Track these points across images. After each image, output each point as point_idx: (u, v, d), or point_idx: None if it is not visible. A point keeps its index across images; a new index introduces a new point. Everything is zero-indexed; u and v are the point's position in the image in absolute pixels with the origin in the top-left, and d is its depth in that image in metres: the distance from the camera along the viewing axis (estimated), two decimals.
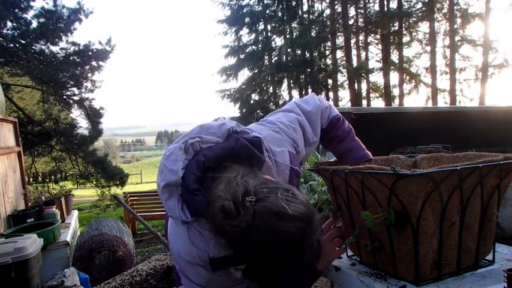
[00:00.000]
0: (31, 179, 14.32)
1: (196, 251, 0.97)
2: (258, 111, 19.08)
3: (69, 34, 11.28)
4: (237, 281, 1.02)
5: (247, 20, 19.15)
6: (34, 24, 10.85)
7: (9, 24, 10.48)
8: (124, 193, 7.93)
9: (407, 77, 18.08)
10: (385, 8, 17.12)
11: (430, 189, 0.90)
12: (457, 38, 16.63)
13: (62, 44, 11.37)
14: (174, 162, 1.01)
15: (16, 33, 10.71)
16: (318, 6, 20.32)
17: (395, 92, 18.06)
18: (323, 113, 1.38)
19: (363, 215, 0.99)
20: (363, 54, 19.36)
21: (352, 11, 18.91)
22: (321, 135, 1.38)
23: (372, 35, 18.84)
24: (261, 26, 19.66)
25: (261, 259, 0.88)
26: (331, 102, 1.50)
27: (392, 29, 17.13)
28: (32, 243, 2.65)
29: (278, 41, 19.77)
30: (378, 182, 0.96)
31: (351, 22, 18.54)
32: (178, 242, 1.03)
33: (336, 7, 18.58)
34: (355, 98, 17.76)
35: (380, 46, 18.07)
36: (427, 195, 0.91)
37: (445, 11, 16.77)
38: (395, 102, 17.59)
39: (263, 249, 0.84)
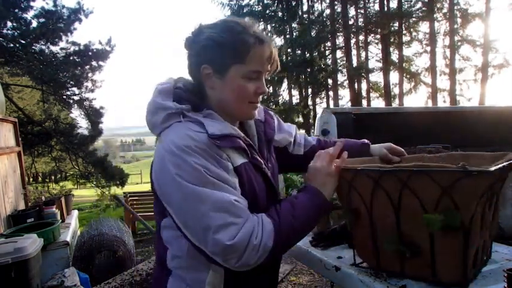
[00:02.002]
0: (31, 179, 14.33)
1: (193, 133, 0.95)
2: None
3: (69, 34, 11.30)
4: (231, 182, 0.95)
5: (247, 20, 19.15)
6: (34, 24, 10.88)
7: (9, 24, 10.50)
8: (124, 193, 7.93)
9: (407, 77, 18.08)
10: (385, 8, 17.11)
11: (486, 187, 0.89)
12: (457, 38, 16.62)
13: (62, 44, 11.41)
14: (163, 82, 1.10)
15: (16, 33, 10.71)
16: (317, 6, 20.33)
17: (395, 91, 18.06)
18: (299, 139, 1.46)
19: (425, 218, 0.92)
20: (363, 54, 19.35)
21: (352, 11, 18.91)
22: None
23: (372, 34, 18.83)
24: (261, 26, 19.65)
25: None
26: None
27: (392, 29, 17.11)
28: (32, 243, 2.65)
29: (278, 41, 19.75)
30: (426, 182, 0.91)
31: (350, 22, 18.53)
32: (170, 135, 0.98)
33: (335, 7, 18.57)
34: (355, 97, 17.74)
35: (380, 46, 18.05)
36: (483, 193, 0.89)
37: (445, 10, 16.76)
38: (396, 102, 17.58)
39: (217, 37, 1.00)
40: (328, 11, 19.18)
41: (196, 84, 1.09)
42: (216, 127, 0.98)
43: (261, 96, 1.09)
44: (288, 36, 19.50)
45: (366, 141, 1.45)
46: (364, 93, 19.29)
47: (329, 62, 19.73)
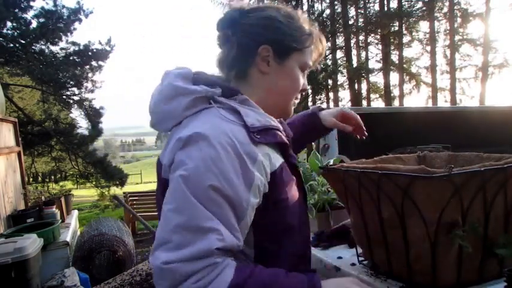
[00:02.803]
0: (31, 179, 14.33)
1: (228, 125, 0.79)
2: None
3: (69, 34, 11.31)
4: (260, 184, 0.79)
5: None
6: (34, 24, 10.88)
7: (9, 24, 10.50)
8: (124, 193, 7.93)
9: (408, 77, 18.08)
10: (385, 8, 17.11)
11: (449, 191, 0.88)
12: (457, 37, 16.63)
13: (62, 44, 11.41)
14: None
15: (16, 33, 10.71)
16: (318, 6, 20.31)
17: (396, 92, 18.05)
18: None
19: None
20: (363, 54, 19.35)
21: (352, 11, 18.89)
22: None
23: (372, 35, 18.82)
24: None
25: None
26: None
27: (393, 29, 17.11)
28: (31, 243, 2.65)
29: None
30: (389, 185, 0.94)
31: (351, 22, 18.51)
32: (199, 123, 0.80)
33: (336, 7, 18.56)
34: (355, 98, 17.74)
35: (380, 46, 18.05)
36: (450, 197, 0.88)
37: (445, 10, 16.76)
38: (396, 103, 17.58)
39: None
40: (328, 11, 19.18)
41: (238, 69, 0.93)
42: (254, 117, 0.84)
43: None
44: None
45: (315, 109, 1.37)
46: (364, 94, 19.29)
47: (329, 62, 19.73)
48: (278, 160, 0.85)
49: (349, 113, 1.32)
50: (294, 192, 0.89)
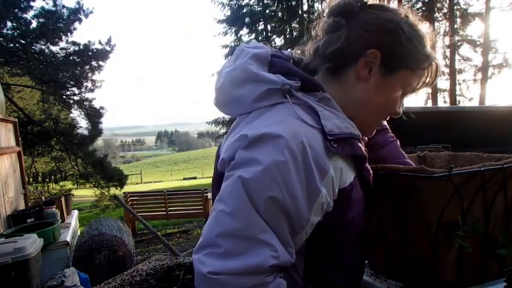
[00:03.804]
0: (31, 179, 14.32)
1: (304, 128, 0.69)
2: None
3: (69, 34, 11.31)
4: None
5: (247, 20, 19.13)
6: (34, 24, 10.88)
7: (9, 24, 10.50)
8: (124, 193, 7.94)
9: None
10: None
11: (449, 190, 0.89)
12: (457, 37, 16.63)
13: (62, 44, 11.41)
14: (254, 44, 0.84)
15: (16, 33, 10.72)
16: (318, 6, 20.31)
17: None
18: None
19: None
20: None
21: None
22: None
23: None
24: (261, 26, 19.65)
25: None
26: None
27: None
28: (32, 243, 2.65)
29: (278, 41, 19.74)
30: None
31: None
32: (273, 119, 0.71)
33: None
34: None
35: None
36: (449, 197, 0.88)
37: (445, 10, 16.77)
38: None
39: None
40: None
41: (333, 62, 0.81)
42: (333, 121, 0.72)
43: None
44: (288, 36, 19.50)
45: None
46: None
47: None
48: (350, 176, 0.75)
49: None
50: (359, 212, 0.79)
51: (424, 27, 0.82)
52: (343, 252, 0.80)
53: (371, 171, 0.84)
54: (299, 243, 0.72)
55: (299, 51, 0.90)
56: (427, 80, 0.85)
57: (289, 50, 0.91)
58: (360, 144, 0.77)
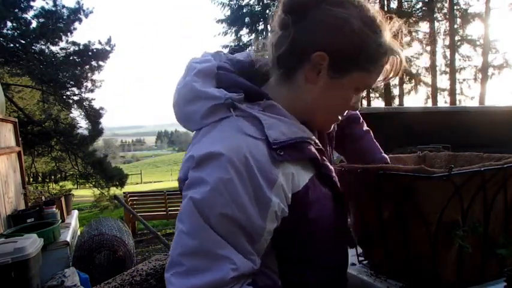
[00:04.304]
0: (31, 179, 14.31)
1: (246, 141, 0.69)
2: None
3: (69, 34, 11.33)
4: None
5: (247, 20, 19.15)
6: (34, 24, 10.90)
7: (9, 24, 10.52)
8: (124, 193, 7.94)
9: (407, 77, 18.08)
10: (386, 8, 17.12)
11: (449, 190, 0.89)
12: (457, 37, 16.64)
13: (62, 44, 11.43)
14: (202, 57, 0.84)
15: (16, 33, 10.73)
16: None
17: (395, 91, 18.06)
18: None
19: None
20: None
21: None
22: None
23: None
24: (261, 26, 19.65)
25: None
26: None
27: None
28: (32, 243, 2.65)
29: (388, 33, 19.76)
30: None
31: None
32: (217, 136, 0.72)
33: None
34: None
35: None
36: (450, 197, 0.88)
37: (445, 11, 16.78)
38: (395, 102, 17.59)
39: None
40: None
41: (284, 66, 0.79)
42: (279, 128, 0.72)
43: None
44: None
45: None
46: (364, 93, 19.26)
47: None
48: (305, 178, 0.75)
49: None
50: (324, 210, 0.79)
51: (384, 24, 0.77)
52: (311, 251, 0.80)
53: (331, 167, 0.83)
54: (261, 249, 0.73)
55: (260, 45, 0.87)
56: (390, 75, 0.83)
57: (249, 48, 0.88)
58: (310, 146, 0.76)
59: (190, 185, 0.70)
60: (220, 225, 0.67)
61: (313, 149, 0.77)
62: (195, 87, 0.77)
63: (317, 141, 0.80)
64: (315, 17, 0.74)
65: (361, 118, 1.22)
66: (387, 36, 0.77)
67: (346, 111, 0.85)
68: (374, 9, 0.77)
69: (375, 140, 1.20)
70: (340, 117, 0.85)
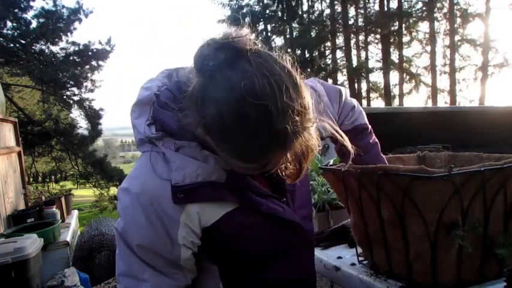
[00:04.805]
0: (31, 179, 14.31)
1: (154, 183, 0.74)
2: None
3: (69, 34, 11.31)
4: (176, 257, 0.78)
5: (247, 20, 19.13)
6: (34, 24, 10.88)
7: (9, 24, 10.51)
8: None
9: (407, 77, 18.07)
10: (385, 8, 17.11)
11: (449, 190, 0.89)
12: (457, 37, 16.62)
13: (62, 44, 11.41)
14: (151, 81, 0.85)
15: (16, 33, 10.71)
16: (317, 6, 20.28)
17: (395, 91, 18.06)
18: (348, 111, 1.19)
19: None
20: (363, 54, 19.34)
21: (352, 11, 18.89)
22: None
23: (372, 34, 18.82)
24: (261, 26, 19.64)
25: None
26: (361, 108, 1.25)
27: (392, 28, 17.10)
28: (32, 243, 2.65)
29: (278, 41, 19.71)
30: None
31: (350, 22, 18.51)
32: (135, 171, 0.80)
33: (335, 7, 18.56)
34: (355, 97, 17.49)
35: (380, 46, 18.05)
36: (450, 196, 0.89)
37: (445, 10, 16.75)
38: (395, 102, 17.58)
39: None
40: (328, 11, 19.17)
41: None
42: (185, 171, 0.73)
43: None
44: (288, 36, 19.50)
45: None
46: (364, 93, 19.28)
47: (329, 61, 19.72)
48: (215, 215, 0.77)
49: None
50: (253, 237, 0.81)
51: (279, 104, 0.62)
52: (239, 275, 0.87)
53: (258, 199, 0.80)
54: (190, 267, 0.82)
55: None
56: (288, 155, 0.69)
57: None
58: (216, 188, 0.75)
59: (118, 214, 0.82)
60: (141, 253, 0.77)
61: (221, 191, 0.76)
62: (131, 118, 0.82)
63: (233, 180, 0.76)
64: (218, 77, 0.67)
65: (370, 128, 1.23)
66: (287, 122, 0.64)
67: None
68: (291, 75, 0.67)
69: (381, 154, 1.22)
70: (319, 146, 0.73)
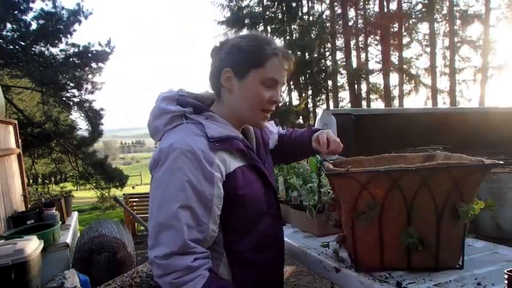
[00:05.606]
0: (31, 181, 14.33)
1: (192, 137, 1.03)
2: None
3: (68, 35, 11.29)
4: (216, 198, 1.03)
5: (247, 21, 19.13)
6: (34, 25, 10.87)
7: (8, 26, 10.49)
8: (124, 194, 7.92)
9: (407, 78, 18.09)
10: (385, 9, 17.14)
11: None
12: (456, 39, 16.65)
13: (62, 46, 11.39)
14: (169, 91, 1.21)
15: (16, 35, 10.71)
16: (317, 7, 20.34)
17: (395, 92, 18.07)
18: (278, 131, 1.52)
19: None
20: (363, 56, 19.38)
21: (352, 13, 18.93)
22: (278, 149, 1.44)
23: (372, 36, 18.85)
24: (261, 28, 19.66)
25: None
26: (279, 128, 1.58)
27: (392, 30, 17.13)
28: (31, 245, 2.65)
29: (278, 43, 19.81)
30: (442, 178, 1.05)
31: (350, 23, 18.55)
32: (171, 138, 1.06)
33: (335, 8, 18.59)
34: (355, 99, 17.74)
35: (380, 47, 18.08)
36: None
37: (444, 12, 16.79)
38: (395, 103, 17.59)
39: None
40: (328, 12, 19.21)
41: (215, 90, 1.16)
42: (215, 129, 1.06)
43: (274, 106, 1.14)
44: (288, 37, 19.51)
45: (315, 130, 1.37)
46: (364, 95, 19.30)
47: (329, 63, 19.75)
48: (234, 164, 1.08)
49: (323, 139, 1.27)
50: (251, 191, 1.10)
51: (261, 36, 1.15)
52: (240, 225, 1.11)
53: (259, 160, 1.17)
54: (215, 217, 1.03)
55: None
56: (286, 66, 1.13)
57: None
58: (237, 141, 1.10)
59: (155, 167, 1.05)
60: (178, 195, 0.98)
61: (240, 144, 1.10)
62: (161, 107, 1.13)
63: (244, 140, 1.16)
64: (219, 53, 1.13)
65: (285, 131, 1.53)
66: (270, 43, 1.11)
67: (273, 105, 1.14)
68: (253, 32, 1.15)
69: (297, 131, 1.50)
70: (266, 114, 1.15)
